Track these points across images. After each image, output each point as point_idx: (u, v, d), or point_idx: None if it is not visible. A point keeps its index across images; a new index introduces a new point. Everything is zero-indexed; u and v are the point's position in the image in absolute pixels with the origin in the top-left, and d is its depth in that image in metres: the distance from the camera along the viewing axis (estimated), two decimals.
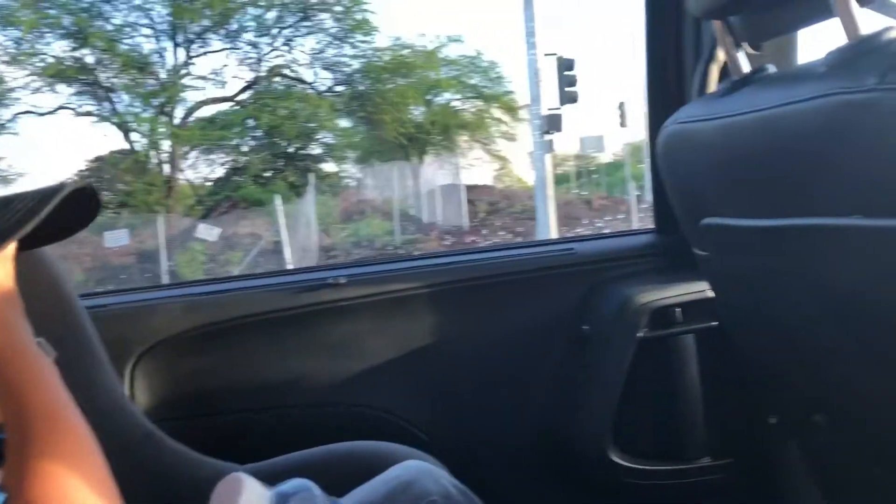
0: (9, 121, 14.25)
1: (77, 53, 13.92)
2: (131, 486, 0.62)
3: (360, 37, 15.60)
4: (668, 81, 1.49)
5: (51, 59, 13.85)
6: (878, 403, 0.96)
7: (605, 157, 18.08)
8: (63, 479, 0.58)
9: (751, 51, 1.10)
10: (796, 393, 1.22)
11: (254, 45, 15.07)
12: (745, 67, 1.06)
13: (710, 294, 1.46)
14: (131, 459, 0.60)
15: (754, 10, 0.98)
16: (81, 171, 15.10)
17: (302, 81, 15.80)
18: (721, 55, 1.33)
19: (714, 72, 1.37)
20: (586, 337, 1.50)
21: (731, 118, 0.97)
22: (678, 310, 1.47)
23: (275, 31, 15.07)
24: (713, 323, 1.47)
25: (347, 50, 15.80)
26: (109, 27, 13.98)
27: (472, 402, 1.52)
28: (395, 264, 1.59)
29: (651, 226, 1.68)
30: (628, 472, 1.49)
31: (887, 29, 0.76)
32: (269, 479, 0.88)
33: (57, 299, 1.10)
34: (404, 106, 16.33)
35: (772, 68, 1.02)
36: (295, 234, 11.92)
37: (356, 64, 15.97)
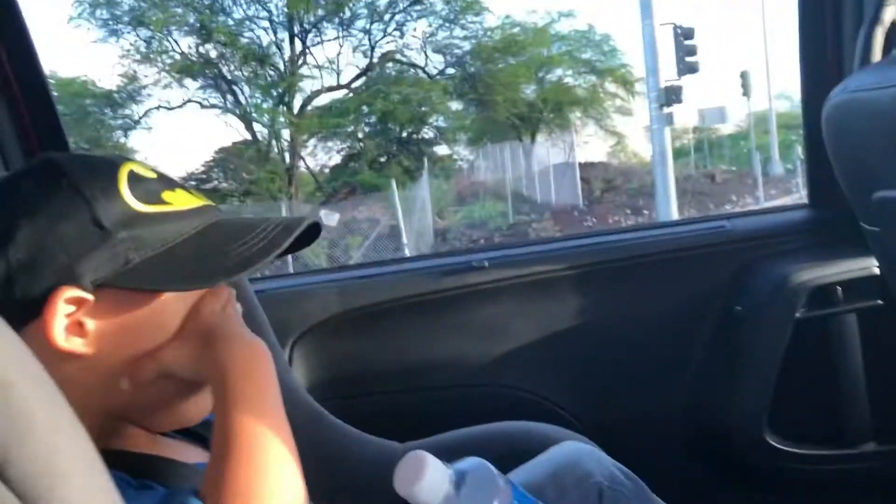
0: (142, 116, 15.16)
1: (202, 49, 14.61)
2: (303, 468, 0.63)
3: (470, 17, 15.61)
4: (826, 48, 1.41)
5: (178, 56, 14.59)
6: None
7: (727, 129, 17.39)
8: (258, 496, 0.58)
9: None
10: None
11: (366, 31, 15.36)
12: None
13: (874, 271, 1.39)
14: (300, 440, 0.62)
15: None
16: (207, 161, 15.87)
17: (414, 66, 15.99)
18: (889, 18, 1.25)
19: (879, 37, 1.29)
20: (739, 317, 1.46)
21: None
22: (839, 288, 1.40)
23: (386, 16, 15.28)
24: (878, 301, 1.40)
25: (458, 31, 15.85)
26: (231, 22, 14.58)
27: (618, 384, 1.51)
28: (538, 246, 1.59)
29: (783, 200, 1.60)
30: (785, 456, 1.43)
31: None
32: None
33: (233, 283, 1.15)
34: (515, 85, 16.24)
35: None
36: (411, 218, 12.10)
37: (467, 45, 16.01)
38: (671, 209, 10.27)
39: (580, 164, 14.74)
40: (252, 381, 0.64)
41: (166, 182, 0.69)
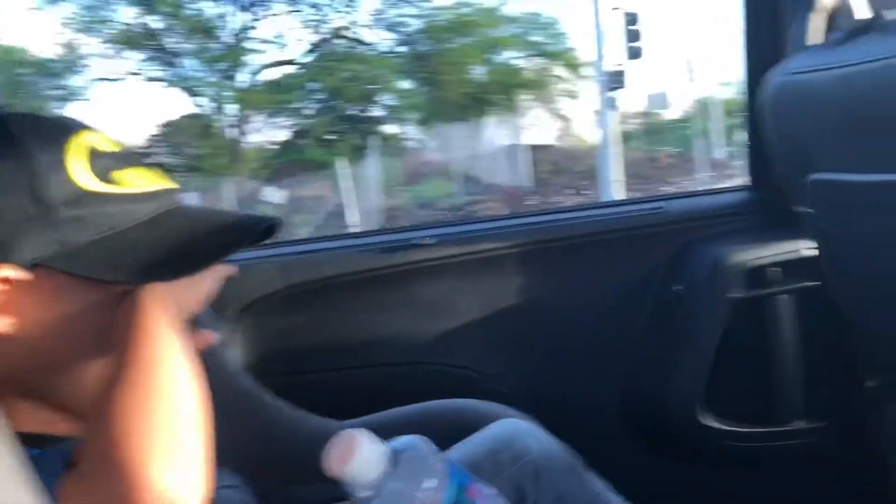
0: (82, 88, 14.71)
1: (145, 20, 14.20)
2: (234, 445, 0.60)
3: None
4: (766, 32, 1.43)
5: (120, 27, 14.17)
6: None
7: (672, 114, 17.64)
8: (137, 444, 0.52)
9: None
10: None
11: (316, 6, 15.11)
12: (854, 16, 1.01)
13: (808, 253, 1.42)
14: (232, 418, 0.59)
15: None
16: (151, 136, 15.49)
17: (363, 43, 15.81)
18: (825, 2, 1.27)
19: (816, 21, 1.31)
20: (677, 298, 1.48)
21: (851, 67, 0.93)
22: (774, 269, 1.43)
23: None
24: (811, 283, 1.43)
25: (409, 10, 15.72)
26: None
27: (560, 363, 1.52)
28: (483, 224, 1.58)
29: (720, 184, 1.63)
30: (719, 434, 1.47)
31: None
32: None
33: None
34: (466, 65, 16.19)
35: (891, 15, 0.97)
36: (359, 197, 12.02)
37: (417, 24, 15.90)
38: (615, 192, 10.42)
39: (529, 146, 14.81)
40: (155, 311, 0.59)
41: (124, 158, 0.64)
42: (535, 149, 15.09)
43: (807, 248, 1.42)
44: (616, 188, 10.56)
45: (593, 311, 1.51)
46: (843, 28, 1.11)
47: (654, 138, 17.02)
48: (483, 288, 1.50)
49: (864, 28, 0.97)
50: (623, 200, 1.60)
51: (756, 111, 1.25)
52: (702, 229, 1.52)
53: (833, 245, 1.17)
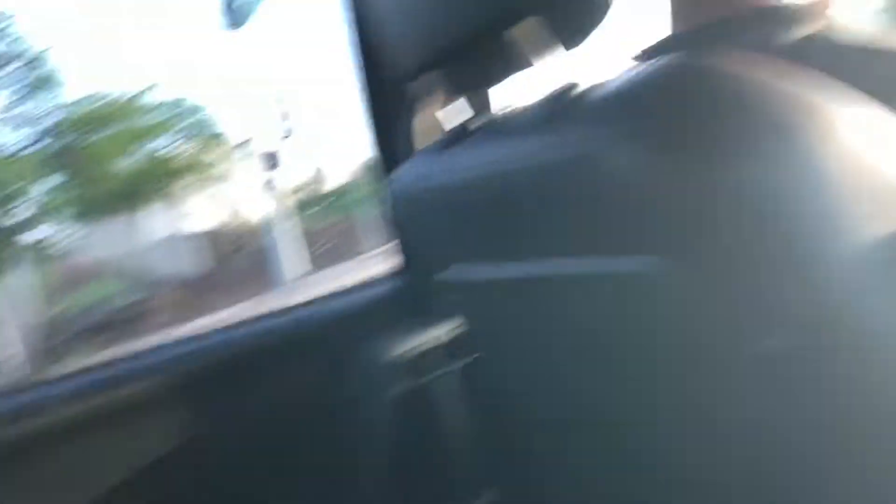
0: None
1: None
2: None
3: (52, 92, 14.38)
4: (386, 130, 1.48)
5: None
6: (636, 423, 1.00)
7: (336, 184, 18.24)
8: None
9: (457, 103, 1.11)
10: (555, 422, 1.26)
11: None
12: (457, 119, 1.07)
13: (463, 332, 1.47)
14: None
15: (454, 64, 0.98)
16: None
17: None
18: (430, 107, 1.35)
19: (427, 122, 1.38)
20: (344, 406, 1.43)
21: (460, 173, 0.96)
22: (433, 353, 1.45)
23: None
24: (471, 358, 1.47)
25: (41, 105, 14.47)
26: None
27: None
28: (120, 365, 1.39)
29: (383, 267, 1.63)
30: None
31: (593, 79, 0.78)
32: None
33: None
34: (115, 157, 15.27)
35: (489, 118, 1.03)
36: (6, 315, 10.67)
37: (54, 119, 14.68)
38: (289, 271, 10.48)
39: (194, 233, 14.36)
40: None
41: None
42: (202, 236, 14.67)
43: (460, 328, 1.47)
44: (288, 267, 10.62)
45: (264, 444, 1.40)
46: (452, 131, 1.17)
47: (322, 210, 17.44)
48: (127, 445, 1.29)
49: (464, 132, 1.01)
50: (270, 312, 1.53)
51: (392, 205, 1.26)
52: (358, 326, 1.50)
53: (475, 331, 1.22)
